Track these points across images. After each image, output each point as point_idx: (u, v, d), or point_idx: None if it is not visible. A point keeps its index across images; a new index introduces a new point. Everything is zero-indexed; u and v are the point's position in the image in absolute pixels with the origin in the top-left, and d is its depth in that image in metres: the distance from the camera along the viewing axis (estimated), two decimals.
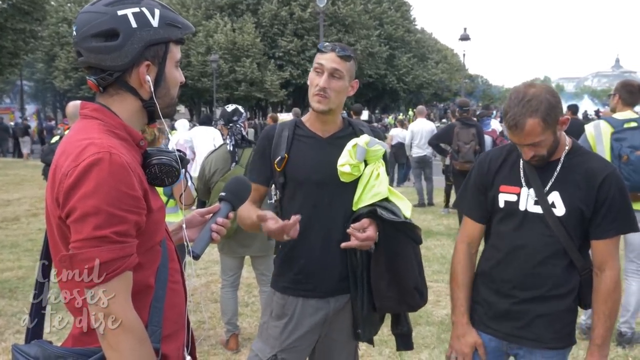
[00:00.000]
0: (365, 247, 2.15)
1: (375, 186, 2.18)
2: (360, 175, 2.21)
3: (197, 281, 5.79)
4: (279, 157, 2.23)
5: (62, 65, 38.29)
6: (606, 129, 4.11)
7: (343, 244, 2.12)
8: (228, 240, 4.05)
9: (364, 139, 2.19)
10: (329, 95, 2.16)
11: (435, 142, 8.93)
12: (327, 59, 2.16)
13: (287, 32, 39.86)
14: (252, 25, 38.60)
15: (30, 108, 38.12)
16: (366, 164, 2.22)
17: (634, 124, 4.06)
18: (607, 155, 4.00)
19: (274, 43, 40.48)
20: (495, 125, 10.56)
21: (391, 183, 12.16)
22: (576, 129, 11.68)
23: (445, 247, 7.25)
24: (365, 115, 30.03)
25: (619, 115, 4.20)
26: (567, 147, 2.09)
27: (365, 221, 2.12)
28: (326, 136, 2.28)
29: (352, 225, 2.11)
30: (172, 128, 10.75)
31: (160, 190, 3.64)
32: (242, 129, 4.06)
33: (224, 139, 4.41)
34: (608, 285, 2.03)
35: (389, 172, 2.39)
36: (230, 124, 4.06)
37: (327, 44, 2.22)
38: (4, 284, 5.67)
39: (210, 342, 4.37)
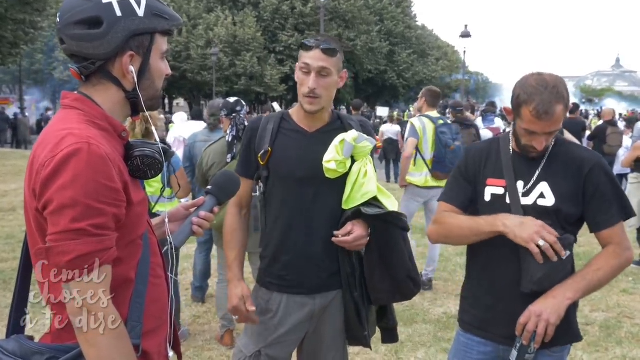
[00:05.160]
0: (359, 248, 2.14)
1: (364, 184, 2.14)
2: (348, 173, 2.15)
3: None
4: (263, 151, 2.19)
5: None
6: (429, 124, 5.33)
7: (334, 239, 2.11)
8: None
9: (351, 135, 2.13)
10: (319, 95, 2.10)
11: None
12: (312, 58, 2.08)
13: (288, 27, 39.76)
14: (253, 19, 38.48)
15: (28, 100, 38.00)
16: (353, 160, 2.17)
17: (442, 122, 5.42)
18: (432, 144, 5.29)
19: (274, 37, 40.38)
20: (499, 123, 10.47)
21: (388, 179, 11.98)
22: (577, 127, 11.55)
23: (442, 246, 7.20)
24: (385, 111, 28.34)
25: (433, 114, 5.45)
26: (552, 139, 2.05)
27: (348, 225, 2.12)
28: (312, 130, 2.22)
29: (335, 233, 2.12)
30: (170, 122, 10.69)
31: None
32: (244, 119, 4.04)
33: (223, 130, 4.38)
34: (621, 254, 1.96)
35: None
36: (234, 114, 4.04)
37: (310, 39, 2.13)
38: None
39: (204, 337, 4.35)
